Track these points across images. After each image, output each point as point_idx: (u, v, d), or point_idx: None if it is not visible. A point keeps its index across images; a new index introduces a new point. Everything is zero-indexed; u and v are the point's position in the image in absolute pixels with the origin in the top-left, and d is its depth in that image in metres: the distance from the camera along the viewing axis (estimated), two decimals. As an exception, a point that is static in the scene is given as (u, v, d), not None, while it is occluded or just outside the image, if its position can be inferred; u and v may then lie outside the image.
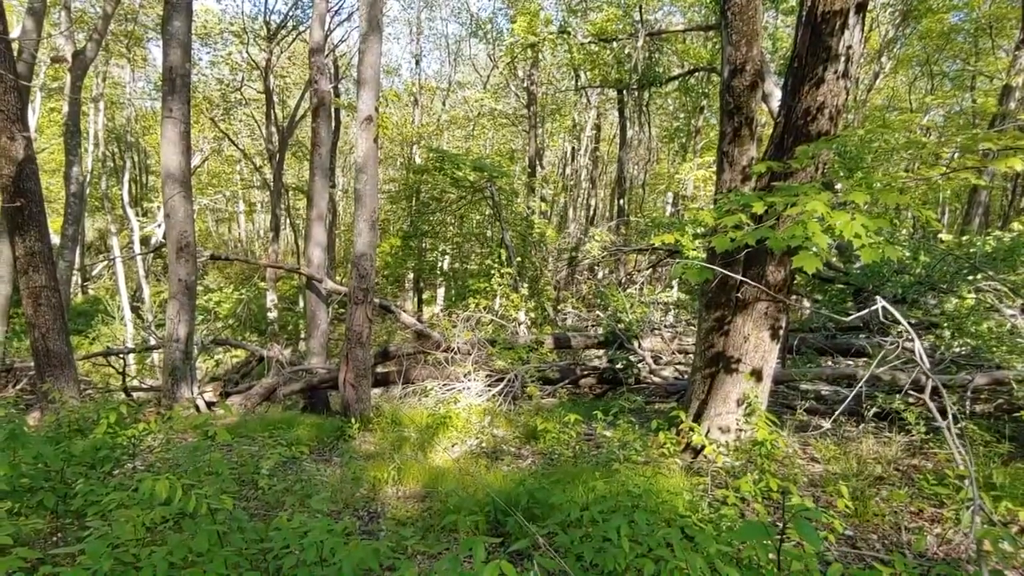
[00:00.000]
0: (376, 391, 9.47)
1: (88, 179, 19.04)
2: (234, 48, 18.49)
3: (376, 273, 7.43)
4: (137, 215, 20.13)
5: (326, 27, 12.05)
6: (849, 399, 3.05)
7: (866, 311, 2.87)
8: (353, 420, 6.38)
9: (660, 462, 4.47)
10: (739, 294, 4.76)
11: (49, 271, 6.83)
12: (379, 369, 9.61)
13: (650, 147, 22.28)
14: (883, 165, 10.75)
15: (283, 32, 17.77)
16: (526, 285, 11.07)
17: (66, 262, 11.33)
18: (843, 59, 4.25)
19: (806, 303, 10.45)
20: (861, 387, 5.72)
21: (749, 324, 4.71)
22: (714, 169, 6.08)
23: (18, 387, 9.32)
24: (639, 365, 8.58)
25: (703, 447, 4.54)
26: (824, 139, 3.99)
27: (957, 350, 6.41)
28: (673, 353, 9.28)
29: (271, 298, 17.28)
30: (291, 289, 21.30)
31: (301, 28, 17.76)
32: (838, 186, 4.97)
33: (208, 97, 19.25)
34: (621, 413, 4.88)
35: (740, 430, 4.74)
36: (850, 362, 7.84)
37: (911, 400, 5.41)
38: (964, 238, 8.53)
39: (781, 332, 4.88)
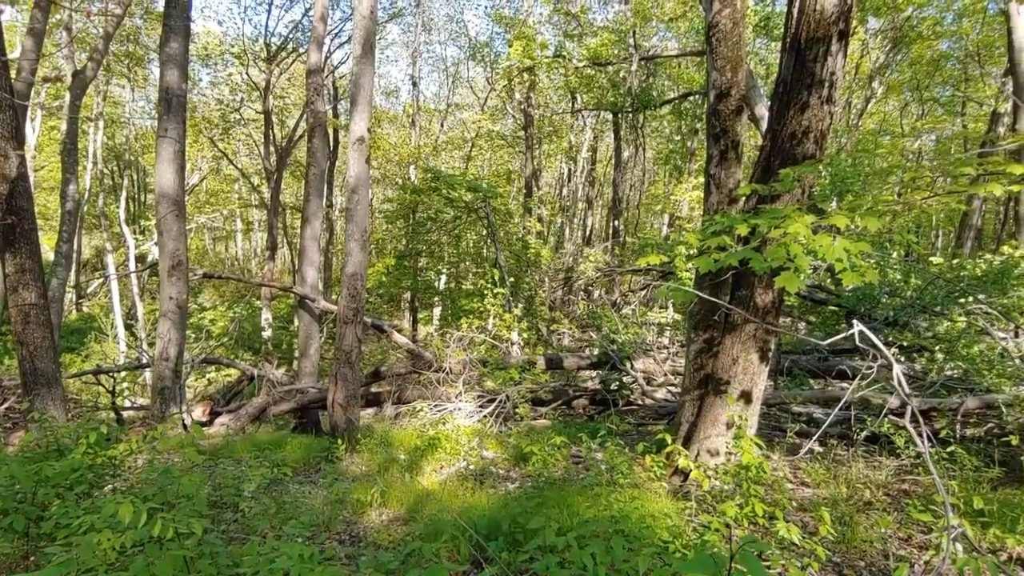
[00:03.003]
0: (368, 411, 9.39)
1: (86, 197, 19.10)
2: (234, 69, 18.71)
3: (370, 292, 7.43)
4: (134, 233, 20.15)
5: (324, 50, 12.21)
6: (829, 422, 3.04)
7: (841, 335, 2.87)
8: (341, 441, 6.31)
9: (647, 486, 4.42)
10: (728, 316, 4.76)
11: (39, 289, 6.80)
12: (371, 389, 9.54)
13: (645, 169, 22.47)
14: (875, 189, 10.85)
15: (283, 54, 18.00)
16: (520, 305, 11.06)
17: (59, 280, 11.30)
18: (827, 84, 4.30)
19: (801, 325, 10.44)
20: (842, 411, 5.70)
21: (738, 346, 4.70)
22: (708, 191, 6.14)
23: (5, 405, 9.22)
24: (632, 386, 8.53)
25: (690, 471, 4.49)
26: (809, 162, 4.02)
27: (948, 373, 6.39)
28: (666, 375, 9.24)
29: (266, 317, 17.22)
30: (286, 308, 21.25)
31: (300, 50, 17.99)
32: (832, 206, 5.00)
33: (208, 117, 19.41)
34: (610, 435, 4.84)
35: (730, 453, 4.69)
36: (844, 385, 7.82)
37: (901, 423, 5.38)
38: (955, 261, 8.57)
39: (770, 354, 4.86)
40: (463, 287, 17.25)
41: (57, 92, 18.53)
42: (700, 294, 3.52)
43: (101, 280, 25.18)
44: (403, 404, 8.86)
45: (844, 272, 3.02)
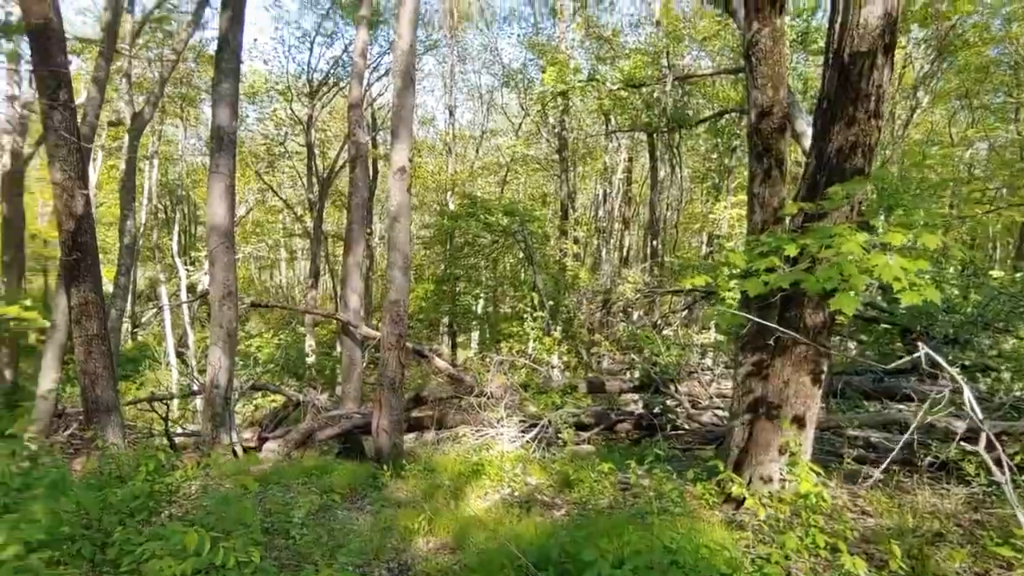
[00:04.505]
0: (410, 436, 9.44)
1: (141, 231, 20.06)
2: (279, 105, 19.51)
3: (410, 317, 7.54)
4: (185, 264, 21.00)
5: (364, 83, 12.63)
6: (897, 449, 2.89)
7: (907, 359, 2.75)
8: (386, 467, 6.35)
9: (699, 514, 4.28)
10: (777, 337, 4.63)
11: (101, 320, 7.14)
12: (413, 414, 9.59)
13: (682, 187, 22.27)
14: (928, 203, 10.44)
15: (324, 88, 18.69)
16: (559, 328, 11.01)
17: (117, 310, 11.84)
18: (873, 98, 4.21)
19: (851, 344, 10.06)
20: (911, 436, 5.42)
21: (788, 368, 4.55)
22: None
23: (68, 432, 9.64)
24: (676, 410, 8.34)
25: (744, 499, 4.34)
26: (858, 178, 3.92)
27: (1017, 394, 6.04)
28: (711, 397, 9.01)
29: (309, 343, 17.61)
30: (328, 334, 21.69)
31: (341, 84, 18.65)
32: (881, 222, 4.83)
33: (254, 151, 20.23)
34: (657, 461, 4.73)
35: (784, 480, 4.52)
36: (901, 407, 7.46)
37: (972, 449, 5.09)
38: (1018, 275, 8.15)
39: (823, 376, 4.69)
40: (501, 310, 17.30)
41: (116, 133, 19.66)
42: (750, 317, 3.44)
43: (155, 310, 26.24)
44: (445, 429, 8.88)
45: (902, 291, 2.91)
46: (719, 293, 7.06)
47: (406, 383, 12.14)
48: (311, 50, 18.02)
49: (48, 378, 9.27)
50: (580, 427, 8.43)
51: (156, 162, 20.72)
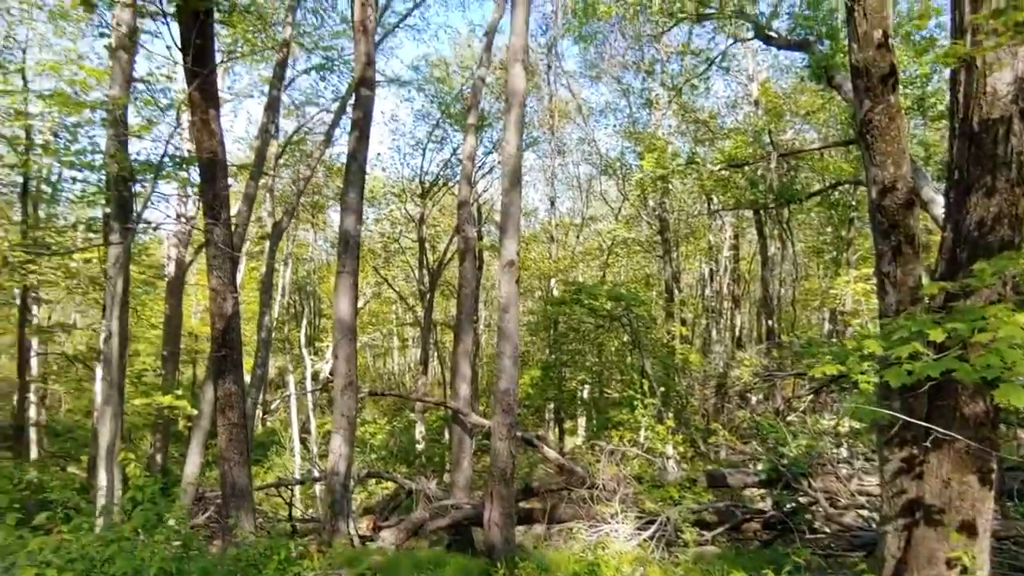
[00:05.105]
0: (519, 528, 9.18)
1: (274, 324, 22.14)
2: (394, 206, 21.35)
3: (518, 405, 7.57)
4: (310, 354, 22.71)
5: (471, 182, 13.56)
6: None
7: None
8: (499, 563, 6.19)
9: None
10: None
11: (240, 409, 7.83)
12: (522, 505, 9.38)
13: (796, 263, 21.17)
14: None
15: (435, 188, 20.26)
16: (671, 415, 10.50)
17: (252, 399, 12.92)
18: (1014, 165, 3.89)
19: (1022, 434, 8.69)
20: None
21: (947, 466, 4.00)
22: (874, 281, 5.59)
23: (206, 515, 10.37)
24: (812, 509, 7.51)
25: (910, 622, 3.74)
26: (1008, 253, 3.56)
27: None
28: (852, 495, 8.03)
29: (420, 430, 18.05)
30: (437, 420, 22.13)
31: (450, 184, 20.13)
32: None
33: (372, 248, 22.04)
34: (797, 572, 4.23)
35: (957, 601, 3.86)
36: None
37: None
38: None
39: (993, 474, 4.07)
40: (607, 395, 16.85)
41: (257, 239, 22.35)
42: (895, 414, 3.13)
43: (281, 399, 28.30)
44: (556, 522, 8.57)
45: (1084, 380, 2.55)
46: (851, 376, 6.47)
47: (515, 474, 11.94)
48: (424, 155, 19.78)
49: (193, 463, 10.16)
50: (702, 525, 7.80)
51: (290, 263, 23.12)
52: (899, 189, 4.23)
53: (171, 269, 15.78)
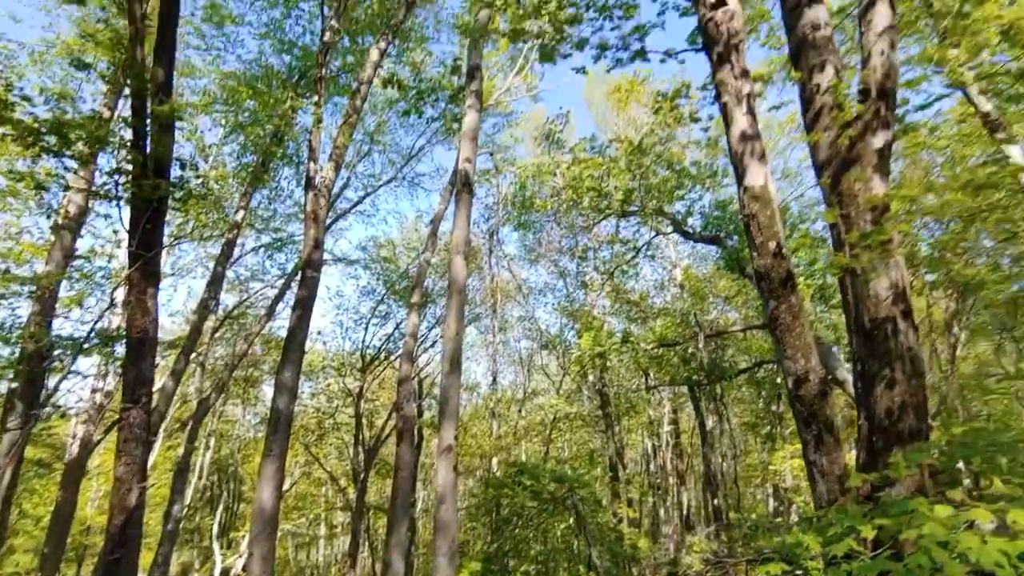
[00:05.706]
0: None
1: (184, 513, 19.80)
2: (333, 380, 20.78)
3: (455, 611, 6.78)
4: (221, 547, 20.14)
5: (412, 358, 13.56)
6: None
7: None
8: None
9: None
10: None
11: (127, 628, 6.65)
12: None
13: (733, 437, 21.47)
14: (1016, 452, 9.65)
15: (375, 363, 20.04)
16: (623, 613, 9.61)
17: (145, 609, 11.05)
18: (907, 359, 4.27)
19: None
20: None
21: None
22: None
23: None
24: None
25: None
26: (917, 445, 3.77)
27: None
28: None
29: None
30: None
31: (391, 358, 20.02)
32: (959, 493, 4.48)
33: (305, 425, 20.91)
34: None
35: None
36: None
37: None
38: None
39: None
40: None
41: (179, 415, 20.86)
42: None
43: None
44: None
45: (1008, 579, 2.58)
46: (800, 561, 6.24)
47: None
48: (367, 329, 19.86)
49: None
50: None
51: (212, 441, 21.45)
52: (811, 380, 4.53)
53: (74, 449, 14.24)
